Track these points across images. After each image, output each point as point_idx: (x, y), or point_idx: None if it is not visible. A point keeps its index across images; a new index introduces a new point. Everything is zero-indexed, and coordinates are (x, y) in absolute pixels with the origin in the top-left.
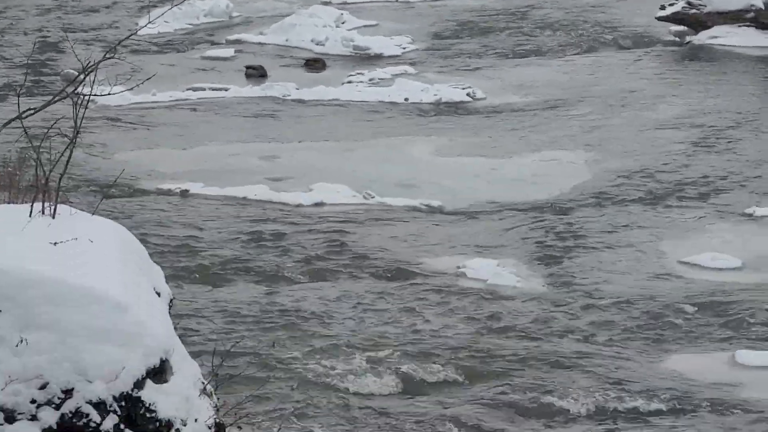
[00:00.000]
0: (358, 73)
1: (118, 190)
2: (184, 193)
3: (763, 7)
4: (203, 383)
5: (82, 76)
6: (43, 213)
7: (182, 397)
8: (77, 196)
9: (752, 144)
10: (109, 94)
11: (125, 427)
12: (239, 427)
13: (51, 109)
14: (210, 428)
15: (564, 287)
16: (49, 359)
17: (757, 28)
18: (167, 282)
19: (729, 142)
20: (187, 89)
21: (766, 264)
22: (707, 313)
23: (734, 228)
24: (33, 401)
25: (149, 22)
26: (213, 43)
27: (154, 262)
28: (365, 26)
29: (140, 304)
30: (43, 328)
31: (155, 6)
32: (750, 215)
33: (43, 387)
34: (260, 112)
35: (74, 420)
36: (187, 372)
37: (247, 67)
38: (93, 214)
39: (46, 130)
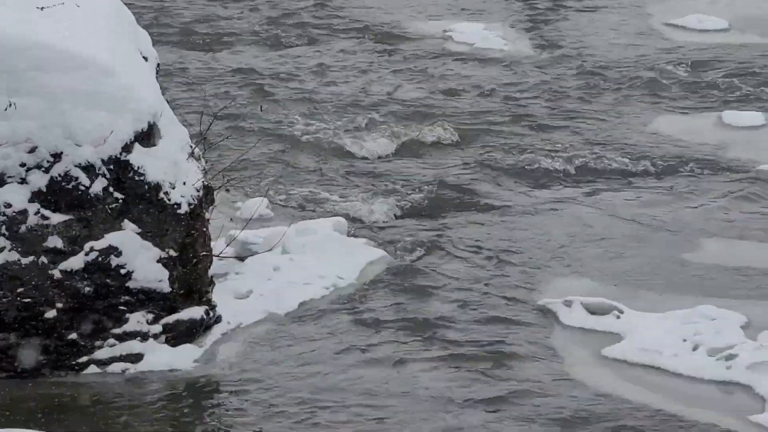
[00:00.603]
0: None
1: None
2: None
3: None
4: (191, 147)
5: None
6: None
7: (170, 160)
8: None
9: None
10: None
11: (114, 190)
12: (227, 190)
13: None
14: (198, 191)
15: (551, 50)
16: (38, 124)
17: None
18: (154, 46)
19: None
20: None
21: (752, 25)
22: (694, 74)
23: None
24: (23, 165)
25: None
26: None
27: (140, 26)
28: None
29: (127, 68)
30: (31, 93)
31: None
32: None
33: (32, 151)
34: None
35: (63, 183)
36: (175, 136)
37: None
38: None
39: None
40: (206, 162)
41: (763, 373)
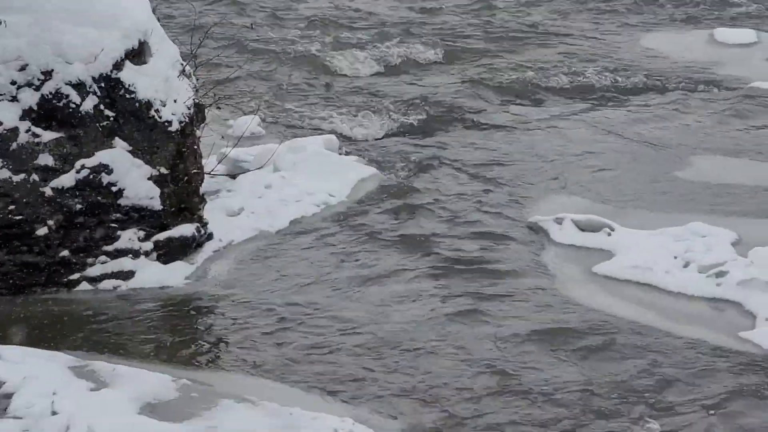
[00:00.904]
0: None
1: None
2: None
3: None
4: (182, 64)
5: None
6: None
7: (161, 78)
8: None
9: None
10: None
11: (105, 108)
12: (218, 108)
13: None
14: (189, 109)
15: None
16: (28, 41)
17: None
18: None
19: None
20: None
21: None
22: None
23: None
24: (13, 83)
25: None
26: None
27: None
28: None
29: None
30: (20, 10)
31: None
32: None
33: (22, 69)
34: None
35: (54, 101)
36: (166, 53)
37: None
38: None
39: None
40: (197, 80)
41: (753, 289)
